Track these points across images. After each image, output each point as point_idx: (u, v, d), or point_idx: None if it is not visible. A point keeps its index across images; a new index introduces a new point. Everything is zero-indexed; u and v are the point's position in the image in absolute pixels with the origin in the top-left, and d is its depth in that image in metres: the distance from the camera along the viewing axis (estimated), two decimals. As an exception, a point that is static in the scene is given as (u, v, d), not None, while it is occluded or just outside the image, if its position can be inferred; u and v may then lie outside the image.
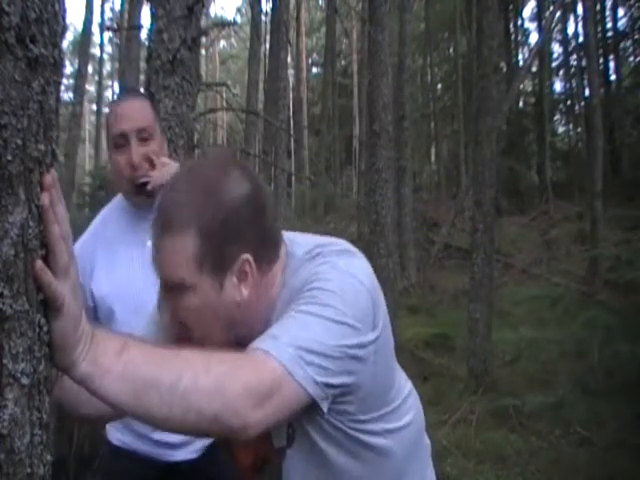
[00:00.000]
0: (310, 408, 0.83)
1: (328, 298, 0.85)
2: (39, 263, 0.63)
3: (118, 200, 1.64)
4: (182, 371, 0.72)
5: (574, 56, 19.18)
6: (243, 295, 0.88)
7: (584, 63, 13.99)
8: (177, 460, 1.57)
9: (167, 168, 1.48)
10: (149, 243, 1.54)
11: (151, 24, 3.09)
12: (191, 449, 1.58)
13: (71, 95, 16.83)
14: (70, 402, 0.87)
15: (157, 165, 1.49)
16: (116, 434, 1.60)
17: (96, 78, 27.52)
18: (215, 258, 0.86)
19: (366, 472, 0.96)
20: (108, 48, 31.18)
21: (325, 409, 0.83)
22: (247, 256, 0.87)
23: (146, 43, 3.47)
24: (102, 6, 24.97)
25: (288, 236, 0.98)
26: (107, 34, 27.16)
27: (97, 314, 1.55)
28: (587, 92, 12.90)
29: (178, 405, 0.71)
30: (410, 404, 1.02)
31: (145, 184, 1.48)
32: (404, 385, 1.04)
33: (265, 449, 0.97)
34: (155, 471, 1.56)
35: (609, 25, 18.51)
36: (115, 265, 1.53)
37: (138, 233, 1.55)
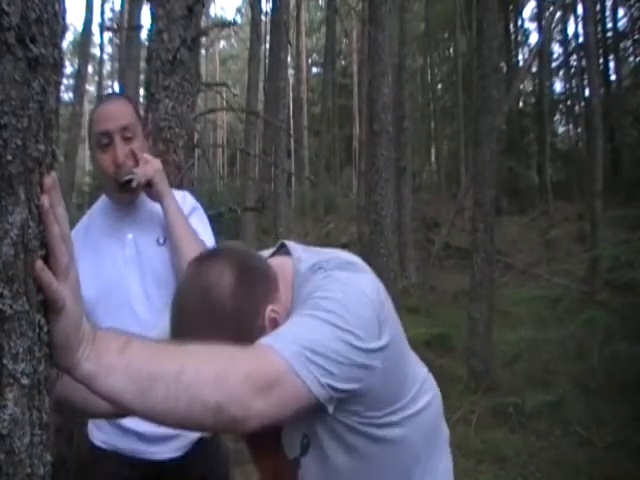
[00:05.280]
0: (318, 412, 0.84)
1: (331, 305, 0.86)
2: (39, 263, 0.63)
3: (102, 200, 1.67)
4: (185, 363, 0.73)
5: (574, 56, 19.21)
6: None
7: (584, 63, 13.98)
8: (160, 459, 1.57)
9: (150, 165, 1.52)
10: (130, 236, 1.58)
11: (151, 24, 3.10)
12: (174, 446, 1.57)
13: (71, 95, 16.85)
14: (79, 400, 0.86)
15: (140, 162, 1.52)
16: (98, 434, 1.60)
17: (96, 78, 27.54)
18: (249, 332, 0.89)
19: (380, 464, 0.97)
20: (108, 48, 31.21)
21: (330, 411, 0.84)
22: (268, 309, 0.92)
23: (146, 43, 3.48)
24: (102, 6, 25.00)
25: (295, 253, 1.01)
26: (107, 34, 27.15)
27: None
28: (587, 92, 12.90)
29: (183, 396, 0.71)
30: (426, 387, 1.03)
31: (129, 182, 1.50)
32: (419, 371, 1.04)
33: (282, 462, 1.00)
34: (139, 471, 1.56)
35: (609, 25, 18.54)
36: (99, 262, 1.56)
37: (120, 228, 1.59)
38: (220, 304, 0.89)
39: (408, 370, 0.99)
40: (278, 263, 1.01)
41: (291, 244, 1.05)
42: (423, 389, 1.01)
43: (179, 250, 1.50)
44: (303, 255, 1.00)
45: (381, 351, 0.87)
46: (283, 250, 1.06)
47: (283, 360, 0.78)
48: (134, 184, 1.50)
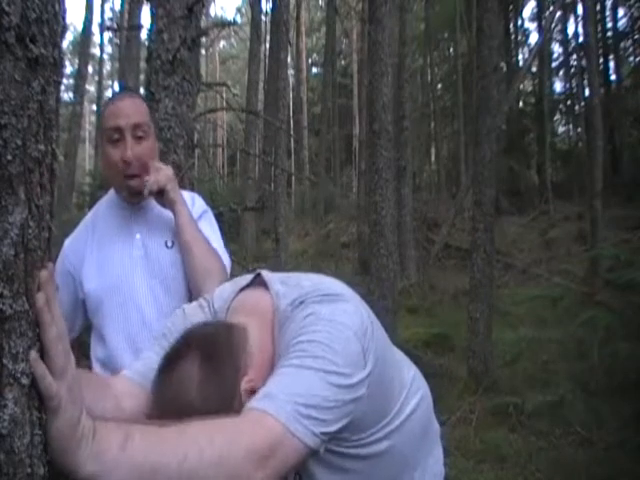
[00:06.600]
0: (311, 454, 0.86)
1: (317, 350, 0.86)
2: (34, 354, 0.63)
3: (110, 194, 1.66)
4: (187, 449, 0.73)
5: (574, 56, 19.20)
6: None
7: (584, 63, 13.97)
8: None
9: (162, 172, 1.51)
10: (137, 236, 1.57)
11: (151, 24, 3.10)
12: None
13: (71, 95, 16.88)
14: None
15: (151, 170, 1.51)
16: None
17: (96, 78, 27.50)
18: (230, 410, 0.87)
19: (370, 474, 0.98)
20: (108, 48, 31.20)
21: (322, 451, 0.86)
22: (242, 384, 0.90)
23: (146, 43, 3.48)
24: (102, 6, 24.99)
25: (273, 287, 1.00)
26: (107, 34, 27.16)
27: (85, 306, 1.57)
28: (587, 92, 12.88)
29: None
30: (414, 390, 1.04)
31: (140, 190, 1.50)
32: (406, 376, 1.04)
33: None
34: None
35: (609, 25, 18.53)
36: (106, 259, 1.55)
37: (128, 227, 1.58)
38: (190, 409, 0.85)
39: (394, 381, 0.99)
40: (255, 300, 1.00)
41: (267, 275, 1.04)
42: (410, 394, 1.02)
43: (191, 257, 1.49)
44: (281, 289, 0.99)
45: (367, 378, 0.89)
46: (259, 280, 1.04)
47: (279, 424, 0.79)
48: (146, 192, 1.49)
